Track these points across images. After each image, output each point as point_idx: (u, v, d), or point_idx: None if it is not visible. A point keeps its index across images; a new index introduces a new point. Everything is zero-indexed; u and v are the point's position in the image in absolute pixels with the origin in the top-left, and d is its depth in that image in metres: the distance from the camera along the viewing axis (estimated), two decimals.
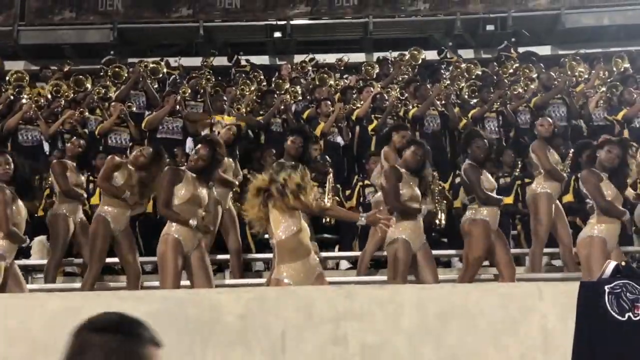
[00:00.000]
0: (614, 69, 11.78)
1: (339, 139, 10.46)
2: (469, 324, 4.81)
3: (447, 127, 10.53)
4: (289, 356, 4.73)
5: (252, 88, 11.73)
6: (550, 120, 8.01)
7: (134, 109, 10.80)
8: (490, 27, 15.78)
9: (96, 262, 7.13)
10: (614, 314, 4.87)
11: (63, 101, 11.09)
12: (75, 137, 8.36)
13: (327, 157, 9.34)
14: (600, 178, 6.64)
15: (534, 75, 11.80)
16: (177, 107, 10.07)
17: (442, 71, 12.98)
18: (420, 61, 13.10)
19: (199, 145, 6.82)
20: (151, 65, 11.73)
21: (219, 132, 8.03)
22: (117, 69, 11.73)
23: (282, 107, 10.62)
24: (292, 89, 11.74)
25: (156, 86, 11.60)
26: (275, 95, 11.14)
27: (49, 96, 11.27)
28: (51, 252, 7.70)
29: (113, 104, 10.51)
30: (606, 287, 4.91)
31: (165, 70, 11.98)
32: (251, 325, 4.78)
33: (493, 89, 10.99)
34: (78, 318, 4.79)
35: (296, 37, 16.23)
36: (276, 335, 4.75)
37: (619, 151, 6.67)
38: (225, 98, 10.49)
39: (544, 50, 15.65)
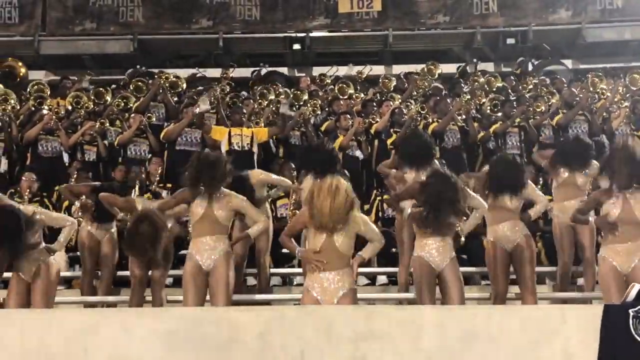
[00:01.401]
0: (631, 86, 11.65)
1: (358, 153, 10.41)
2: (490, 346, 4.76)
3: (467, 142, 10.46)
4: None
5: (271, 98, 11.69)
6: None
7: (154, 119, 10.81)
8: (510, 41, 15.67)
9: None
10: (638, 337, 4.80)
11: (83, 112, 11.11)
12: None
13: (345, 171, 9.30)
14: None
15: (555, 91, 11.70)
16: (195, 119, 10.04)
17: (462, 85, 12.90)
18: (436, 75, 13.04)
19: None
20: (171, 79, 11.74)
21: (237, 144, 7.99)
22: (139, 83, 11.75)
23: (301, 119, 10.59)
24: (312, 101, 11.71)
25: (175, 98, 11.60)
26: (294, 108, 11.12)
27: (69, 107, 11.30)
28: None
29: (132, 115, 10.53)
30: (630, 310, 4.85)
31: (184, 85, 11.96)
32: (270, 344, 4.76)
33: (515, 103, 10.90)
34: (96, 334, 4.82)
35: (315, 49, 16.22)
36: (295, 355, 4.72)
37: None
38: (244, 111, 10.46)
39: (566, 64, 15.55)
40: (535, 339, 4.81)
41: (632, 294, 5.00)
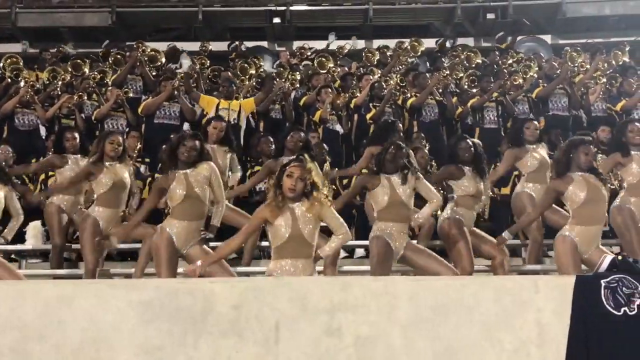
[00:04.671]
0: (613, 61, 11.72)
1: (338, 127, 10.40)
2: (464, 317, 4.79)
3: (445, 116, 10.48)
4: (282, 347, 4.71)
5: (252, 73, 11.63)
6: (537, 124, 7.90)
7: (131, 94, 10.73)
8: (490, 16, 15.69)
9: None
10: (609, 308, 4.84)
11: (60, 85, 11.01)
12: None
13: (324, 145, 9.31)
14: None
15: (534, 66, 11.74)
16: (175, 92, 9.98)
17: (442, 59, 12.91)
18: (419, 53, 13.03)
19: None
20: (149, 52, 11.64)
21: (215, 128, 7.93)
22: (118, 56, 11.63)
23: (281, 93, 10.55)
24: (291, 75, 11.66)
25: (154, 73, 11.51)
26: (275, 82, 11.07)
27: (46, 80, 11.20)
28: None
29: (110, 89, 10.45)
30: (602, 281, 4.89)
31: (163, 59, 11.87)
32: (245, 315, 4.75)
33: (493, 78, 10.93)
34: (71, 305, 4.80)
35: (295, 23, 16.13)
36: (270, 326, 4.73)
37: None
38: (233, 84, 10.34)
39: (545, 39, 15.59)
40: (509, 309, 4.83)
41: (604, 265, 5.03)
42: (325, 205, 5.56)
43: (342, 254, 8.61)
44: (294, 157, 5.79)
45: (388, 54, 13.34)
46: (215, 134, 7.84)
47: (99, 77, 11.03)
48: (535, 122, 7.90)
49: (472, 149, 7.06)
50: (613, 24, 16.11)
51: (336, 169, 8.75)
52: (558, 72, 10.78)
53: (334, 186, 8.61)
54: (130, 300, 4.87)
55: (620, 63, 11.88)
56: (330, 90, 10.60)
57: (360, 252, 8.55)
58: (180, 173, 6.29)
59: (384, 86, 10.65)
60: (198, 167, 6.34)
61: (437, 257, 6.56)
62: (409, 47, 12.95)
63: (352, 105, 10.63)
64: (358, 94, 10.75)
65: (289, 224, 5.46)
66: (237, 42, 14.54)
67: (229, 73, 11.62)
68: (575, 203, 6.20)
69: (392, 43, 13.99)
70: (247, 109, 9.67)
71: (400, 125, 8.07)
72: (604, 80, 10.91)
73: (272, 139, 8.83)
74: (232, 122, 9.31)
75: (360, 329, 4.72)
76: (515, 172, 8.66)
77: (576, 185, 6.22)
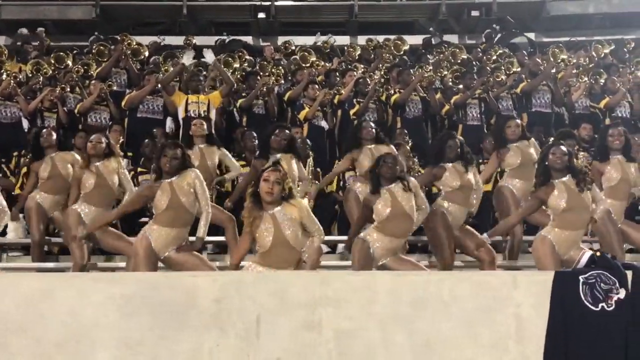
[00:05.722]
0: (594, 53, 11.80)
1: (323, 123, 10.40)
2: (442, 311, 4.83)
3: (429, 113, 10.52)
4: (263, 341, 4.74)
5: (236, 66, 11.60)
6: (519, 122, 7.91)
7: (115, 87, 10.69)
8: (475, 13, 15.76)
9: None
10: (587, 304, 4.90)
11: (42, 78, 10.95)
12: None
13: (308, 140, 9.32)
14: None
15: (516, 63, 11.80)
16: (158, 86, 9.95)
17: (428, 56, 12.94)
18: (402, 51, 13.06)
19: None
20: (134, 46, 11.60)
21: (194, 111, 7.95)
22: (101, 47, 11.58)
23: (265, 89, 10.54)
24: (275, 70, 11.66)
25: (138, 66, 11.47)
26: (259, 77, 11.06)
27: (29, 73, 11.14)
28: None
29: (93, 82, 10.40)
30: (581, 277, 4.94)
31: (147, 53, 11.83)
32: (226, 309, 4.78)
33: (476, 75, 10.97)
34: (52, 299, 4.80)
35: (280, 18, 16.13)
36: (251, 319, 4.76)
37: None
38: (201, 78, 10.29)
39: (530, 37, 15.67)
40: (487, 304, 4.88)
41: (583, 261, 5.10)
42: (303, 207, 5.61)
43: (325, 248, 8.66)
44: (270, 164, 5.82)
45: (370, 49, 13.36)
46: (199, 132, 7.88)
47: (82, 70, 10.97)
48: (517, 120, 7.89)
49: (459, 148, 7.10)
50: (597, 22, 16.22)
51: (314, 183, 8.65)
52: (542, 68, 10.82)
53: (316, 181, 8.66)
54: (111, 293, 4.88)
55: (602, 56, 11.95)
56: (317, 87, 10.60)
57: (342, 247, 8.57)
58: (166, 182, 6.22)
59: (368, 82, 10.67)
60: (182, 175, 6.27)
61: (421, 266, 6.58)
62: (392, 47, 12.98)
63: (335, 101, 10.64)
64: (343, 91, 10.75)
65: (271, 230, 5.48)
66: (224, 37, 14.51)
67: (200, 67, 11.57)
68: (557, 210, 6.16)
69: (377, 40, 14.03)
70: (215, 102, 9.66)
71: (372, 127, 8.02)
72: (586, 79, 10.97)
73: (255, 134, 8.83)
74: (203, 115, 9.30)
75: (340, 323, 4.77)
76: (497, 169, 8.71)
77: (557, 194, 6.16)
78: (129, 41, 11.75)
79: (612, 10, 15.92)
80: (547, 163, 6.25)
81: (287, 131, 7.80)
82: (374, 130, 7.88)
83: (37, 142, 7.82)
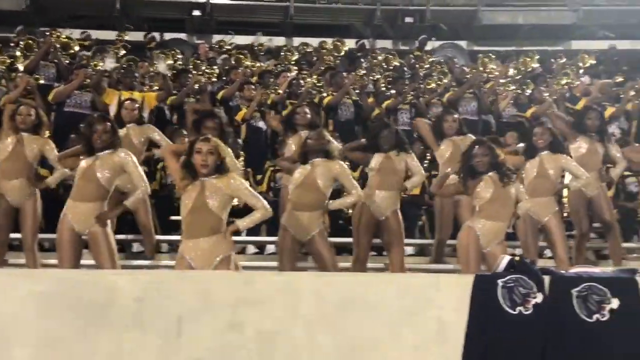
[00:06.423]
0: (522, 67, 12.09)
1: (261, 124, 10.37)
2: (367, 313, 4.85)
3: (360, 116, 10.60)
4: (184, 340, 4.69)
5: (169, 63, 11.48)
6: (455, 117, 8.03)
7: (42, 81, 10.45)
8: (409, 20, 15.95)
9: None
10: (506, 307, 4.97)
11: None
12: None
13: (238, 140, 9.29)
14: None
15: (446, 71, 12.00)
16: (87, 80, 9.78)
17: (361, 60, 13.04)
18: (342, 52, 13.15)
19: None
20: (63, 40, 11.36)
21: (126, 109, 7.91)
22: (29, 41, 11.30)
23: (197, 87, 10.45)
24: (209, 69, 11.58)
25: (67, 61, 11.24)
26: (190, 75, 10.96)
27: None
28: None
29: (20, 74, 10.15)
30: (499, 280, 5.02)
31: (77, 47, 11.61)
32: (147, 308, 4.71)
33: (408, 81, 11.11)
34: None
35: (216, 16, 16.03)
36: (172, 319, 4.70)
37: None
38: (136, 74, 10.19)
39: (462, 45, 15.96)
40: (412, 306, 4.92)
41: (502, 265, 5.18)
42: (238, 180, 5.51)
43: (252, 249, 8.64)
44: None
45: (308, 50, 13.39)
46: (129, 114, 7.93)
47: (8, 62, 10.69)
48: (455, 115, 8.02)
49: (394, 137, 7.26)
50: (526, 32, 16.59)
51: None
52: (468, 76, 11.03)
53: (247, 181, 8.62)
54: (30, 290, 4.76)
55: (530, 70, 12.24)
56: (253, 87, 10.57)
57: (271, 248, 8.56)
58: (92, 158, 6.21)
59: (302, 84, 10.69)
60: (110, 154, 6.23)
61: (333, 256, 6.71)
62: (332, 47, 13.05)
63: (269, 102, 10.63)
64: (279, 92, 10.76)
65: (193, 196, 5.40)
66: (153, 34, 14.34)
67: (146, 63, 11.44)
68: (482, 200, 6.42)
69: (313, 42, 14.07)
70: (150, 103, 9.56)
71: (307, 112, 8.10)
72: (513, 87, 11.21)
73: (185, 132, 8.74)
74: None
75: (263, 324, 4.74)
76: (426, 174, 8.82)
77: (483, 185, 6.44)
78: (59, 34, 11.51)
79: (539, 21, 16.34)
80: (471, 164, 6.45)
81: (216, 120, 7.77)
82: (309, 115, 7.93)
83: None
